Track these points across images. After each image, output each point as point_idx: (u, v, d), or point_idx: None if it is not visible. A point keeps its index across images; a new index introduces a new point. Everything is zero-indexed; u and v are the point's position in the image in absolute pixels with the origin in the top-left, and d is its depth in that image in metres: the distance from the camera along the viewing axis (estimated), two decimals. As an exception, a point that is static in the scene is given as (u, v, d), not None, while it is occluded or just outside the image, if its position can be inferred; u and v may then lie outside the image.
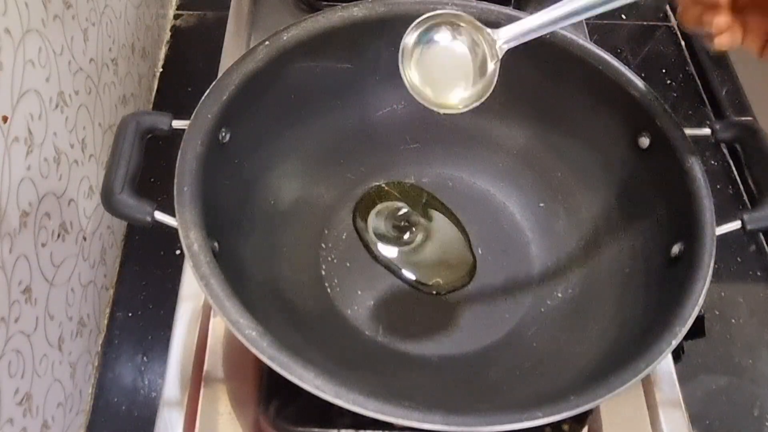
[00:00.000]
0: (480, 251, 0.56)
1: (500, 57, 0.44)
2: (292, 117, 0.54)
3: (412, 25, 0.43)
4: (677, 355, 0.56)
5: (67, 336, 0.50)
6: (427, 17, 0.44)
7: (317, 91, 0.54)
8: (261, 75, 0.49)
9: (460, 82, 0.45)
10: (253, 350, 0.37)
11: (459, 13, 0.44)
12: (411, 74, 0.44)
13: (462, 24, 0.44)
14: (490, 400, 0.45)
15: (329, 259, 0.55)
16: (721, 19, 0.39)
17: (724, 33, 0.39)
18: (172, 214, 0.41)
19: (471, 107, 0.44)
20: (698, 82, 0.77)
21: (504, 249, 0.56)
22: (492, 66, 0.44)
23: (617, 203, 0.53)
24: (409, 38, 0.44)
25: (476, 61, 0.44)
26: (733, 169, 0.71)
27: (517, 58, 0.55)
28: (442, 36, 0.44)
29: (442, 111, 0.45)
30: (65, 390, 0.49)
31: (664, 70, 0.78)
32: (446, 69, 0.45)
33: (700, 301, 0.41)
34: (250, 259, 0.49)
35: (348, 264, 0.55)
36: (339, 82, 0.55)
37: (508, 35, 0.43)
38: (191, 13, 0.81)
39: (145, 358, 0.56)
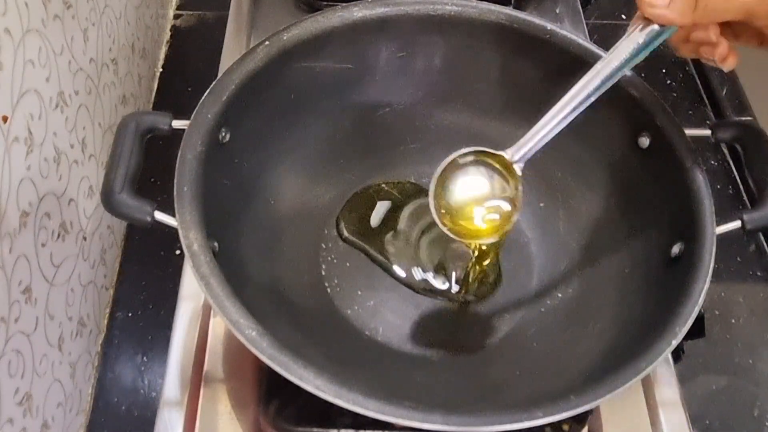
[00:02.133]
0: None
1: (520, 175, 0.45)
2: (292, 117, 0.54)
3: (435, 174, 0.45)
4: (677, 355, 0.56)
5: (67, 336, 0.50)
6: (444, 165, 0.45)
7: (317, 91, 0.54)
8: (261, 75, 0.49)
9: (490, 210, 0.46)
10: (253, 350, 0.37)
11: (471, 150, 0.46)
12: (445, 219, 0.46)
13: (478, 158, 0.46)
14: (490, 400, 0.45)
15: (329, 259, 0.55)
16: (721, 50, 0.40)
17: (727, 58, 0.40)
18: (172, 214, 0.41)
19: (505, 231, 0.46)
20: (698, 82, 0.77)
21: (504, 249, 0.56)
22: (512, 188, 0.46)
23: (617, 203, 0.53)
24: (433, 186, 0.45)
25: (499, 185, 0.46)
26: (733, 169, 0.71)
27: (517, 58, 0.55)
28: (463, 174, 0.46)
29: (480, 243, 0.47)
30: (65, 390, 0.49)
31: (664, 70, 0.78)
32: (475, 202, 0.46)
33: (700, 301, 0.41)
34: (250, 259, 0.49)
35: (348, 264, 0.55)
36: (339, 82, 0.55)
37: (521, 155, 0.45)
38: (191, 13, 0.81)
39: (145, 358, 0.56)
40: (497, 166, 0.46)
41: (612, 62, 0.41)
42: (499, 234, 0.46)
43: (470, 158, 0.46)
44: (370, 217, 0.57)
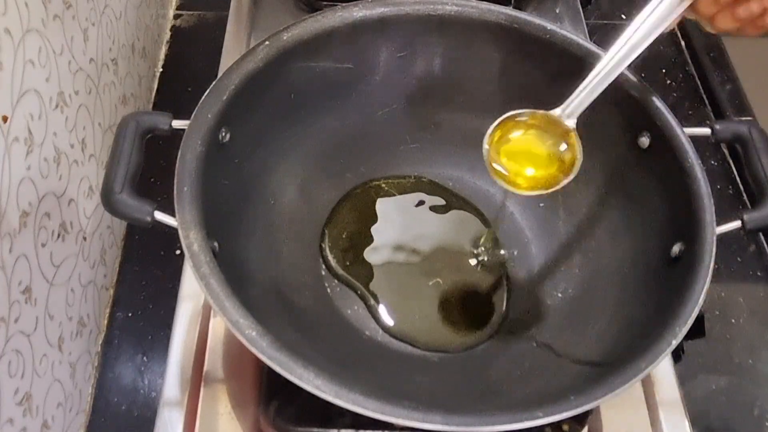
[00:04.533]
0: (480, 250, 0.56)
1: (574, 129, 0.47)
2: (292, 117, 0.54)
3: (492, 126, 0.47)
4: (677, 355, 0.56)
5: (67, 336, 0.50)
6: (499, 121, 0.47)
7: (317, 91, 0.54)
8: (261, 75, 0.49)
9: (544, 166, 0.48)
10: (253, 350, 0.37)
11: (523, 111, 0.48)
12: (499, 172, 0.47)
13: (529, 119, 0.48)
14: (490, 400, 0.45)
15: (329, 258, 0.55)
16: (753, 6, 0.41)
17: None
18: (172, 214, 0.41)
19: (563, 185, 0.46)
20: (698, 82, 0.77)
21: (504, 249, 0.56)
22: (566, 145, 0.47)
23: (617, 203, 0.53)
24: (486, 143, 0.47)
25: (551, 142, 0.48)
26: (733, 169, 0.71)
27: (517, 58, 0.55)
28: (520, 128, 0.48)
29: (534, 193, 0.47)
30: (65, 390, 0.49)
31: (664, 70, 0.78)
32: (529, 158, 0.48)
33: (700, 301, 0.41)
34: (250, 259, 0.49)
35: (347, 264, 0.55)
36: (339, 82, 0.55)
37: (572, 110, 0.47)
38: (191, 13, 0.81)
39: (145, 358, 0.56)
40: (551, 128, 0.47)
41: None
42: (551, 186, 0.46)
43: (524, 118, 0.48)
44: (366, 229, 0.57)
